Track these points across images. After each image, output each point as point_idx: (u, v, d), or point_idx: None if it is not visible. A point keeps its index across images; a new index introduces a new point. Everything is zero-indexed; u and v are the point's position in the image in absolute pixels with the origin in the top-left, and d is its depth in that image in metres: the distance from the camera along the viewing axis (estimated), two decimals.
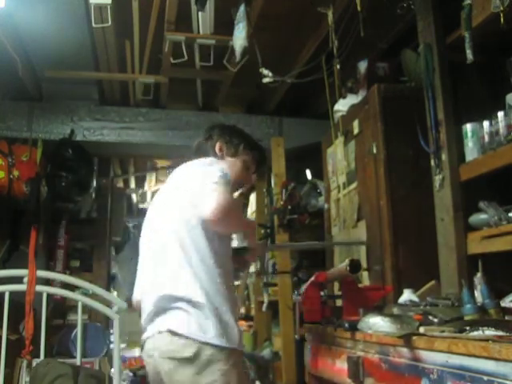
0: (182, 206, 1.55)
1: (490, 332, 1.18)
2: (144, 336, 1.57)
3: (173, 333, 1.45)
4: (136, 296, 1.69)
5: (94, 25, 2.54)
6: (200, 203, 1.47)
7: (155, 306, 1.52)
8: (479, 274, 1.65)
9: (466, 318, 1.39)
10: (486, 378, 1.06)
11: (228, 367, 1.45)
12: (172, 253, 1.53)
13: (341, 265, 1.90)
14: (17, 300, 2.83)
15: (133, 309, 1.78)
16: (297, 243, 3.31)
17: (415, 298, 1.82)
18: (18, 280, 2.84)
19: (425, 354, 1.28)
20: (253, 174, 1.84)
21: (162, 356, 1.47)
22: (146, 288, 1.60)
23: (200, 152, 1.78)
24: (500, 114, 1.75)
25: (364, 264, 2.29)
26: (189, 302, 1.46)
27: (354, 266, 1.79)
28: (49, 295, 3.01)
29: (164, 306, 1.50)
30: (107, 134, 3.61)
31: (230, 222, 1.52)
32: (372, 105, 2.30)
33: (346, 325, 1.68)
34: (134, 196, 6.13)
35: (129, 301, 1.89)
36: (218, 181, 1.49)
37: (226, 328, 1.47)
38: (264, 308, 3.61)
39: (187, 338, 1.43)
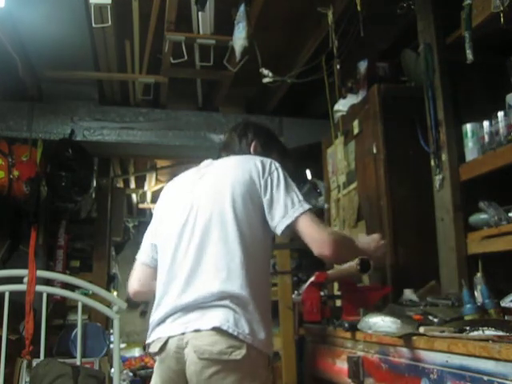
0: (244, 203, 1.47)
1: (489, 332, 1.18)
2: (162, 333, 1.42)
3: (220, 332, 1.32)
4: (134, 286, 1.63)
5: (93, 25, 2.54)
6: (278, 214, 1.46)
7: (191, 302, 1.39)
8: (479, 274, 1.65)
9: (466, 318, 1.38)
10: (486, 378, 1.06)
11: (267, 373, 1.39)
12: (228, 248, 1.42)
13: (346, 264, 1.90)
14: (17, 300, 2.84)
15: (131, 308, 1.74)
16: (297, 242, 3.31)
17: (415, 298, 1.82)
18: (18, 280, 2.85)
19: (425, 354, 1.28)
20: None
21: (201, 357, 1.33)
22: (168, 279, 1.47)
23: (229, 148, 1.72)
24: (500, 114, 1.74)
25: None
26: (239, 300, 1.37)
27: (364, 265, 1.78)
28: (49, 295, 3.01)
29: (206, 302, 1.37)
30: (107, 134, 3.60)
31: (346, 255, 1.61)
32: (372, 105, 2.30)
33: (346, 325, 1.68)
34: (134, 196, 6.13)
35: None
36: (302, 202, 1.48)
37: (269, 332, 1.41)
38: None
39: (236, 339, 1.32)
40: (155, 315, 1.48)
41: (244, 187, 1.48)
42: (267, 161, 1.56)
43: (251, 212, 1.47)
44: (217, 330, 1.33)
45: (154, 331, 1.47)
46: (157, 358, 1.46)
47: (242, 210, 1.46)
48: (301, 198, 1.50)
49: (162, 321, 1.44)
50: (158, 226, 1.65)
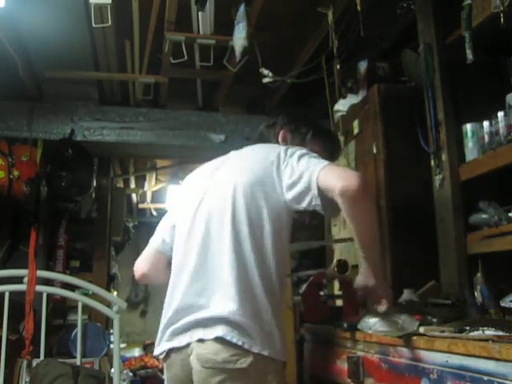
0: (253, 192, 1.39)
1: (489, 332, 1.17)
2: (164, 346, 1.39)
3: (224, 342, 1.27)
4: (144, 268, 1.58)
5: (93, 25, 2.54)
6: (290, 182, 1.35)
7: (193, 307, 1.34)
8: (479, 274, 1.65)
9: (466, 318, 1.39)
10: (486, 378, 1.06)
11: (280, 379, 1.34)
12: (231, 247, 1.35)
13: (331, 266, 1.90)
14: (17, 300, 2.83)
15: (131, 308, 1.71)
16: (296, 244, 3.30)
17: (415, 298, 1.82)
18: (18, 280, 2.84)
19: (425, 354, 1.28)
20: None
21: (205, 365, 1.28)
22: (175, 279, 1.42)
23: (262, 141, 1.65)
24: (500, 114, 1.74)
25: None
26: (248, 307, 1.31)
27: (341, 266, 1.78)
28: (49, 295, 3.01)
29: (209, 309, 1.33)
30: (107, 134, 3.61)
31: (368, 203, 1.37)
32: (372, 105, 2.30)
33: (346, 325, 1.67)
34: (133, 196, 6.13)
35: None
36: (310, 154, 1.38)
37: (282, 336, 1.38)
38: None
39: (241, 348, 1.26)
40: (164, 318, 1.43)
41: (256, 175, 1.40)
42: (289, 147, 1.47)
43: (262, 204, 1.38)
44: (220, 339, 1.27)
45: (162, 335, 1.43)
46: (164, 363, 1.44)
47: (250, 202, 1.38)
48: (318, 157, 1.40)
49: (167, 326, 1.40)
50: (175, 212, 1.60)
